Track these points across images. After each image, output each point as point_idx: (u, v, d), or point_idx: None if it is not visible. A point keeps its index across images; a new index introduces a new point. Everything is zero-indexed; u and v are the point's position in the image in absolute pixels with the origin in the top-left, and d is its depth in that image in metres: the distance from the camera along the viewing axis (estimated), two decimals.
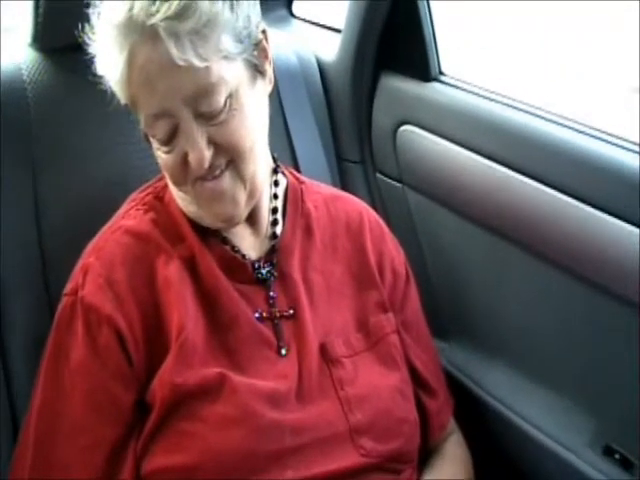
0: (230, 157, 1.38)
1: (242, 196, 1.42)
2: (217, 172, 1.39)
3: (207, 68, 1.32)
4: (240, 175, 1.40)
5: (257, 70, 1.43)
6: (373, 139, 2.01)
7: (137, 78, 1.34)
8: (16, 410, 1.59)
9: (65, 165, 1.70)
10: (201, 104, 1.34)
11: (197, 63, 1.31)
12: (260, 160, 1.45)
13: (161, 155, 1.40)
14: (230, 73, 1.36)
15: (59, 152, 1.70)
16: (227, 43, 1.34)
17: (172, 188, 1.48)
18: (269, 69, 1.46)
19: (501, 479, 1.73)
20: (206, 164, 1.36)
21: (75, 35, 1.54)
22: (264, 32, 1.44)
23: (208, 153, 1.35)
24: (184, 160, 1.37)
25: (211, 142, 1.36)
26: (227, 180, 1.40)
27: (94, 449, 1.38)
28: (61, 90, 1.73)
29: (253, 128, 1.41)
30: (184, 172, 1.39)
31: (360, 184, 2.03)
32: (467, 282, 1.87)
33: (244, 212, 1.44)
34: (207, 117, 1.35)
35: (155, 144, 1.41)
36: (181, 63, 1.30)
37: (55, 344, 1.43)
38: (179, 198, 1.48)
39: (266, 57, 1.45)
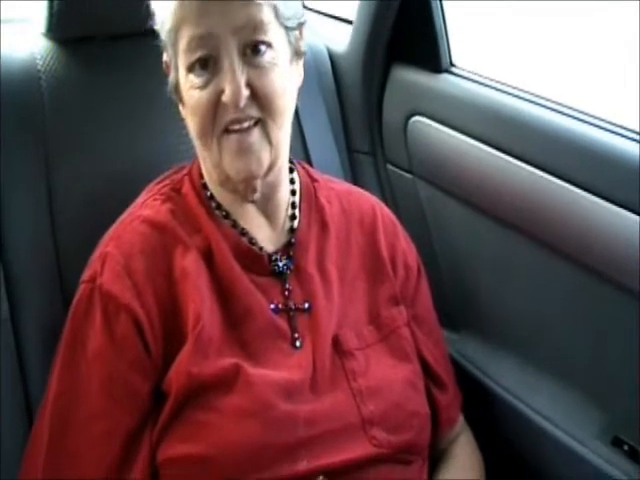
0: (262, 111, 1.41)
1: (266, 157, 1.43)
2: (246, 124, 1.40)
3: (260, 6, 1.39)
4: (268, 136, 1.42)
5: (296, 52, 1.48)
6: (384, 130, 2.02)
7: None
8: (31, 399, 1.59)
9: (78, 155, 1.71)
10: (248, 35, 1.38)
11: None
12: (285, 135, 1.48)
13: (194, 94, 1.42)
14: (276, 32, 1.42)
15: (73, 142, 1.71)
16: None
17: (199, 150, 1.49)
18: (302, 62, 1.52)
19: (509, 469, 1.73)
20: (241, 102, 1.37)
21: (90, 26, 1.55)
22: (302, 25, 1.49)
23: (245, 92, 1.38)
24: (217, 99, 1.39)
25: (249, 86, 1.39)
26: (255, 135, 1.42)
27: (109, 437, 1.39)
28: (75, 80, 1.74)
29: (287, 95, 1.45)
30: (214, 116, 1.40)
31: (370, 175, 2.03)
32: (477, 273, 1.87)
33: (264, 176, 1.46)
34: (250, 56, 1.39)
35: (189, 82, 1.42)
36: None
37: (72, 332, 1.44)
38: (204, 160, 1.50)
39: (301, 48, 1.50)
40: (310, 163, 1.84)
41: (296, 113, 1.74)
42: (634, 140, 1.55)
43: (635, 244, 1.48)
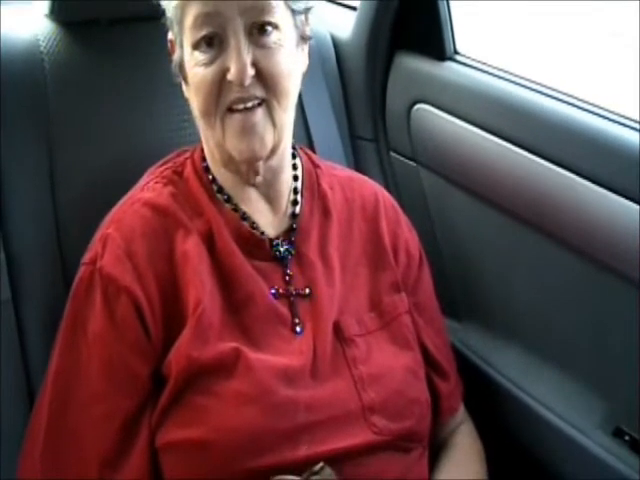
0: (267, 91, 1.41)
1: (270, 138, 1.43)
2: (250, 104, 1.40)
3: None
4: (272, 117, 1.43)
5: (302, 37, 1.48)
6: (387, 117, 2.01)
7: None
8: (31, 381, 1.59)
9: (81, 137, 1.71)
10: (256, 16, 1.39)
11: None
12: (289, 118, 1.48)
13: (198, 71, 1.42)
14: (283, 15, 1.42)
15: (75, 124, 1.71)
16: None
17: (202, 130, 1.49)
18: (307, 47, 1.52)
19: (510, 458, 1.73)
20: (247, 80, 1.38)
21: (93, 9, 1.54)
22: (309, 10, 1.49)
23: (250, 71, 1.38)
24: (222, 77, 1.39)
25: (254, 66, 1.39)
26: (259, 115, 1.42)
27: (108, 419, 1.39)
28: (78, 63, 1.74)
29: (292, 77, 1.45)
30: (218, 95, 1.40)
31: (373, 162, 2.02)
32: (479, 262, 1.87)
33: (266, 159, 1.46)
34: (256, 36, 1.39)
35: (194, 59, 1.42)
36: None
37: (72, 314, 1.44)
38: (207, 141, 1.50)
39: (306, 33, 1.50)
40: (313, 149, 1.83)
41: (299, 99, 1.75)
42: (634, 129, 1.55)
43: (635, 233, 1.47)
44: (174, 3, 1.42)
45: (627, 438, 1.58)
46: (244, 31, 1.38)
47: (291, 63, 1.44)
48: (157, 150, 1.62)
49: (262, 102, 1.41)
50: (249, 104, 1.40)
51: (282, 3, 1.42)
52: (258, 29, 1.39)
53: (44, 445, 1.40)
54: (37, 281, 1.64)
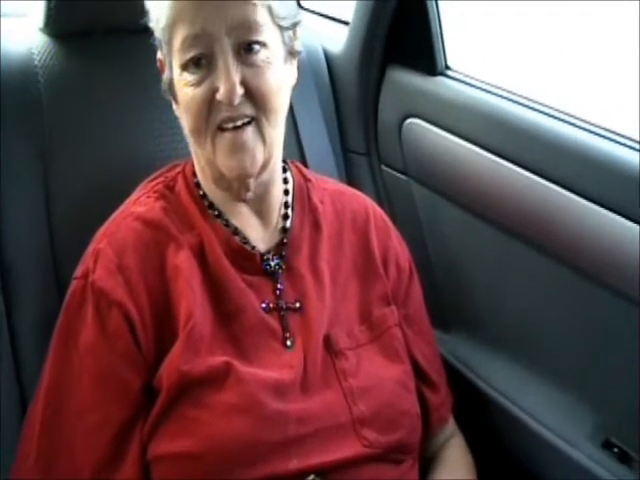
0: (256, 109, 1.42)
1: (260, 155, 1.44)
2: (239, 122, 1.41)
3: (254, 6, 1.40)
4: (261, 134, 1.43)
5: (290, 53, 1.48)
6: (379, 131, 2.02)
7: None
8: (25, 392, 1.60)
9: (76, 150, 1.71)
10: (243, 35, 1.39)
11: None
12: (279, 134, 1.49)
13: (188, 91, 1.42)
14: (270, 32, 1.43)
15: (70, 136, 1.72)
16: None
17: (192, 148, 1.50)
18: (296, 62, 1.52)
19: (500, 470, 1.73)
20: (236, 100, 1.38)
21: (87, 20, 1.55)
22: (297, 25, 1.50)
23: (239, 90, 1.38)
24: (212, 96, 1.40)
25: (243, 84, 1.39)
26: (249, 133, 1.42)
27: (101, 429, 1.39)
28: (72, 75, 1.75)
29: (281, 93, 1.46)
30: (208, 114, 1.41)
31: (365, 176, 2.03)
32: (470, 275, 1.87)
33: (257, 175, 1.46)
34: (244, 55, 1.40)
35: (183, 80, 1.42)
36: None
37: (64, 327, 1.44)
38: (198, 158, 1.51)
39: (295, 48, 1.51)
40: (305, 163, 1.84)
41: (291, 113, 1.76)
42: (615, 141, 1.56)
43: (621, 247, 1.49)
44: (162, 25, 1.43)
45: (616, 450, 1.59)
46: (232, 51, 1.39)
47: (280, 80, 1.45)
48: (151, 161, 1.64)
49: (252, 120, 1.42)
50: (239, 122, 1.41)
51: (269, 21, 1.43)
52: (246, 48, 1.40)
53: (37, 454, 1.40)
54: (31, 291, 1.64)
